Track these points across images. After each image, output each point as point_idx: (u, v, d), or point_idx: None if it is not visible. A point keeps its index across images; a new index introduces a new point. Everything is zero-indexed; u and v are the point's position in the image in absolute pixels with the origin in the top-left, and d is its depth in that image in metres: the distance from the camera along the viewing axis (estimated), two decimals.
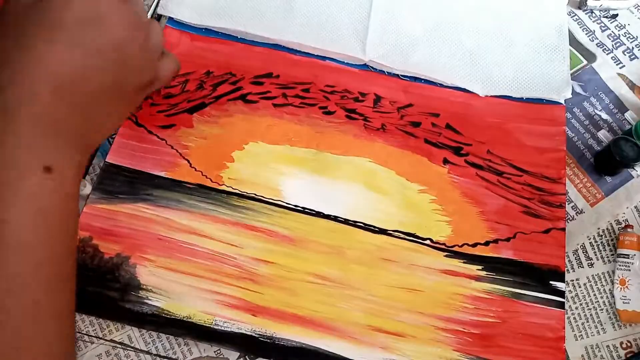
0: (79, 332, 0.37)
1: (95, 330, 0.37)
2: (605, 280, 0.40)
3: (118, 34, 0.31)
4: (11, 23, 0.30)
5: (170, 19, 0.46)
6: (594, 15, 0.49)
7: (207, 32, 0.46)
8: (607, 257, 0.41)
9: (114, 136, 0.42)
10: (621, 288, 0.39)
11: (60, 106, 0.30)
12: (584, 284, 0.40)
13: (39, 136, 0.29)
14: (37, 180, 0.29)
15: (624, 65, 0.47)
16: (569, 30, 0.48)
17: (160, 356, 0.37)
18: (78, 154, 0.32)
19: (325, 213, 0.40)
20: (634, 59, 0.47)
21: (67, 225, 0.31)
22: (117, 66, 0.32)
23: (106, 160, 0.41)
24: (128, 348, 0.37)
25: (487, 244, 0.40)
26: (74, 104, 0.31)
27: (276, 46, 0.46)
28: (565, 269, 0.40)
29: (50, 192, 0.29)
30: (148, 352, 0.37)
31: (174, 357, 0.37)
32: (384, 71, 0.45)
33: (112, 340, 0.37)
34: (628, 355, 0.38)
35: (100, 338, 0.37)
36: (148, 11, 0.46)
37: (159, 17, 0.47)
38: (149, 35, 0.34)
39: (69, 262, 0.31)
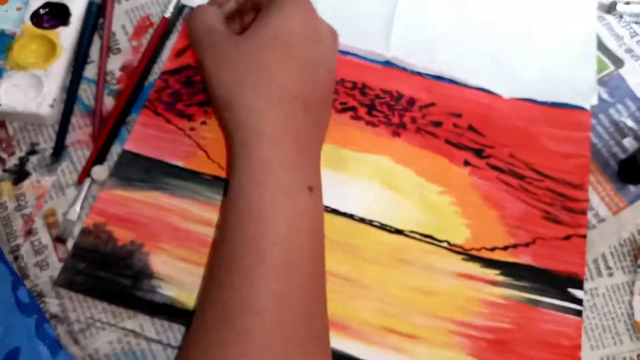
0: (92, 318, 0.37)
1: (107, 317, 0.37)
2: (625, 290, 0.39)
3: (328, 50, 0.37)
4: (245, 46, 0.33)
5: (192, 9, 0.46)
6: (623, 20, 0.48)
7: None
8: (628, 267, 0.40)
9: (132, 124, 0.42)
10: None
11: (302, 119, 0.32)
12: (602, 294, 0.39)
13: (297, 153, 0.30)
14: (305, 200, 0.29)
15: None
16: (597, 35, 0.47)
17: (171, 346, 0.36)
18: (319, 166, 0.33)
19: (341, 211, 0.40)
20: None
21: (322, 242, 0.31)
22: (328, 74, 0.37)
23: (124, 147, 0.41)
24: (139, 336, 0.37)
25: (505, 248, 0.39)
26: (311, 116, 0.33)
27: None
28: (584, 277, 0.39)
29: (313, 211, 0.30)
30: (159, 342, 0.36)
31: None
32: (406, 69, 0.45)
33: (123, 328, 0.37)
34: None
35: (113, 325, 0.37)
36: (171, 1, 0.46)
37: (182, 8, 0.46)
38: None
39: (324, 281, 0.31)
